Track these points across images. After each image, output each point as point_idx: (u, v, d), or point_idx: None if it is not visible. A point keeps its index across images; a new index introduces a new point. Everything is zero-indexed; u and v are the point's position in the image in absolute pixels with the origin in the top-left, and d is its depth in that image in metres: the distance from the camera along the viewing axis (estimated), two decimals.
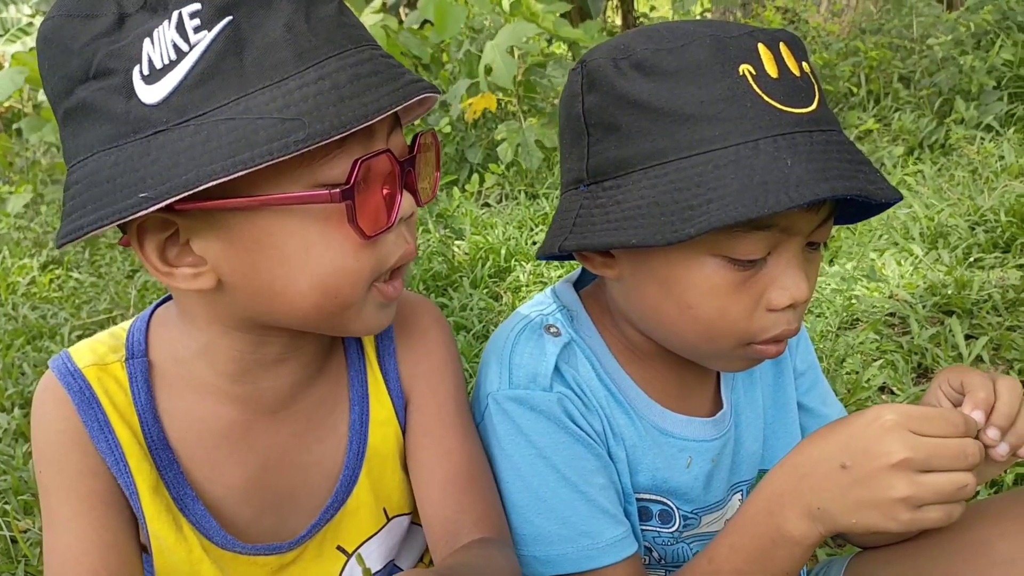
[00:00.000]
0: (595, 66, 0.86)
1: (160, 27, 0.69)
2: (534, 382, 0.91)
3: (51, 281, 4.05)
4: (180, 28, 0.69)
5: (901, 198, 0.82)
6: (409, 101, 0.73)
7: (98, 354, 0.87)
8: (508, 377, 0.92)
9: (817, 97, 0.81)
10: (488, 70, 4.12)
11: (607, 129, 0.85)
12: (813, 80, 0.83)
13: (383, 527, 0.97)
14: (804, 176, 0.75)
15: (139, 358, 0.87)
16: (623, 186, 0.83)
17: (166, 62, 0.68)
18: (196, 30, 0.69)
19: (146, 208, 0.67)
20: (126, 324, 0.91)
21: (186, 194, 0.67)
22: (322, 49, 0.71)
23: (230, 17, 0.69)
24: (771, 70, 0.80)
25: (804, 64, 0.83)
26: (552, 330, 0.95)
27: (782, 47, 0.81)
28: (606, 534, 0.91)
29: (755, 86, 0.79)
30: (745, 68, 0.79)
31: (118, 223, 0.70)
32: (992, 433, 0.81)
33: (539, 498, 0.90)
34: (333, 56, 0.72)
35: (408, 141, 0.84)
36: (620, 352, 0.98)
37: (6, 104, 6.67)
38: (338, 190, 0.73)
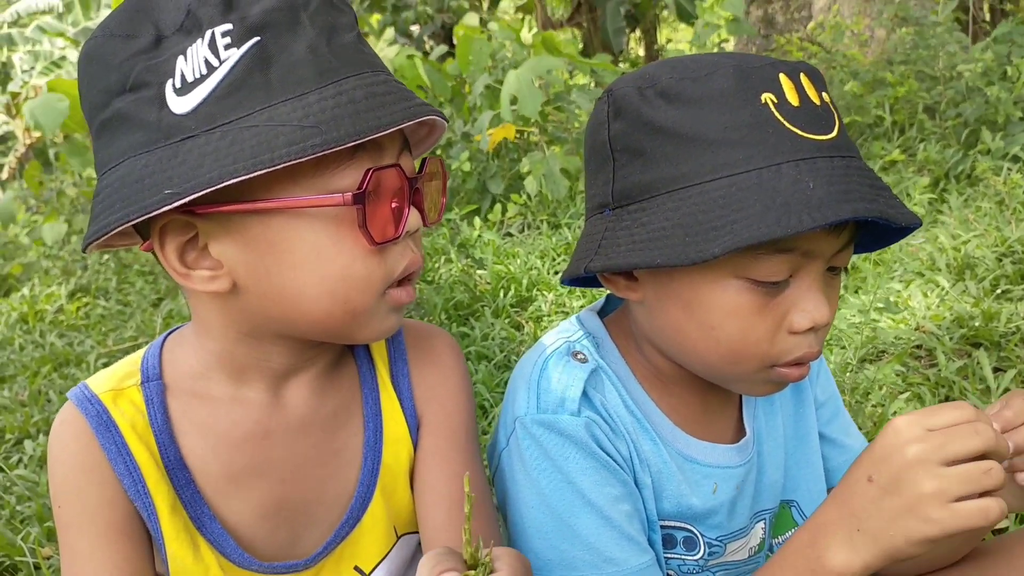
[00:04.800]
0: (621, 94, 0.88)
1: (194, 45, 0.75)
2: (562, 406, 0.91)
3: (78, 309, 4.11)
4: (212, 45, 0.75)
5: (920, 223, 0.82)
6: (419, 119, 0.78)
7: (114, 380, 0.89)
8: (536, 401, 0.92)
9: (837, 125, 0.83)
10: (513, 100, 4.15)
11: (633, 154, 0.87)
12: (833, 109, 0.84)
13: (394, 545, 0.97)
14: (826, 198, 0.76)
15: (154, 381, 0.89)
16: (648, 209, 0.85)
17: (197, 76, 0.74)
18: (227, 47, 0.75)
19: (171, 203, 0.72)
20: (141, 351, 0.93)
21: (209, 190, 0.71)
22: (342, 70, 0.77)
23: (258, 37, 0.75)
24: (792, 99, 0.81)
25: (824, 94, 0.84)
26: (579, 356, 0.95)
27: (803, 77, 0.84)
28: (632, 561, 0.90)
29: (777, 113, 0.81)
30: (767, 96, 0.81)
31: (142, 220, 0.74)
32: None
33: (565, 523, 0.90)
34: (352, 76, 0.77)
35: (417, 166, 0.88)
36: (645, 378, 0.99)
37: (36, 135, 6.81)
38: (350, 194, 0.77)
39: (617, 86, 0.90)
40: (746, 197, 0.78)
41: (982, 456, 0.73)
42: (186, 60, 0.75)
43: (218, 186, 0.71)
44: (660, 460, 0.96)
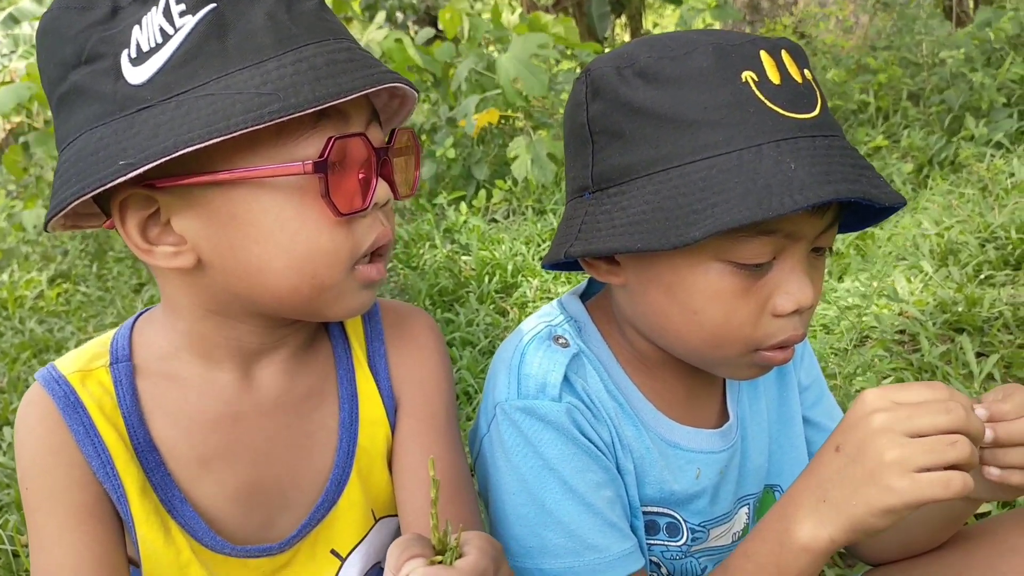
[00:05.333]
0: (599, 74, 0.86)
1: (149, 13, 0.73)
2: (543, 392, 0.90)
3: (58, 295, 4.06)
4: (167, 13, 0.73)
5: (904, 202, 0.81)
6: (383, 86, 0.76)
7: (82, 361, 0.88)
8: (517, 387, 0.91)
9: (819, 103, 0.81)
10: (515, 82, 4.12)
11: (611, 136, 0.85)
12: (815, 87, 0.83)
13: (371, 528, 0.96)
14: (807, 179, 0.75)
15: (123, 362, 0.88)
16: (628, 192, 0.83)
17: (152, 45, 0.72)
18: (181, 15, 0.73)
19: (126, 174, 0.70)
20: (111, 332, 0.91)
21: (164, 159, 0.69)
22: (302, 37, 0.75)
23: (214, 4, 0.73)
24: (773, 76, 0.80)
25: (806, 71, 0.83)
26: (561, 341, 0.94)
27: (784, 54, 0.82)
28: (614, 548, 0.89)
29: (758, 92, 0.79)
30: (748, 75, 0.79)
31: (99, 191, 0.72)
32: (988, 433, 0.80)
33: (546, 510, 0.89)
34: (312, 43, 0.75)
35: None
36: (627, 363, 0.98)
37: (16, 120, 6.73)
38: (311, 163, 0.75)
39: (595, 66, 0.88)
40: (727, 179, 0.77)
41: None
42: (141, 29, 0.73)
43: (173, 155, 0.69)
44: (642, 445, 0.95)
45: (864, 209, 0.84)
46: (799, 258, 0.83)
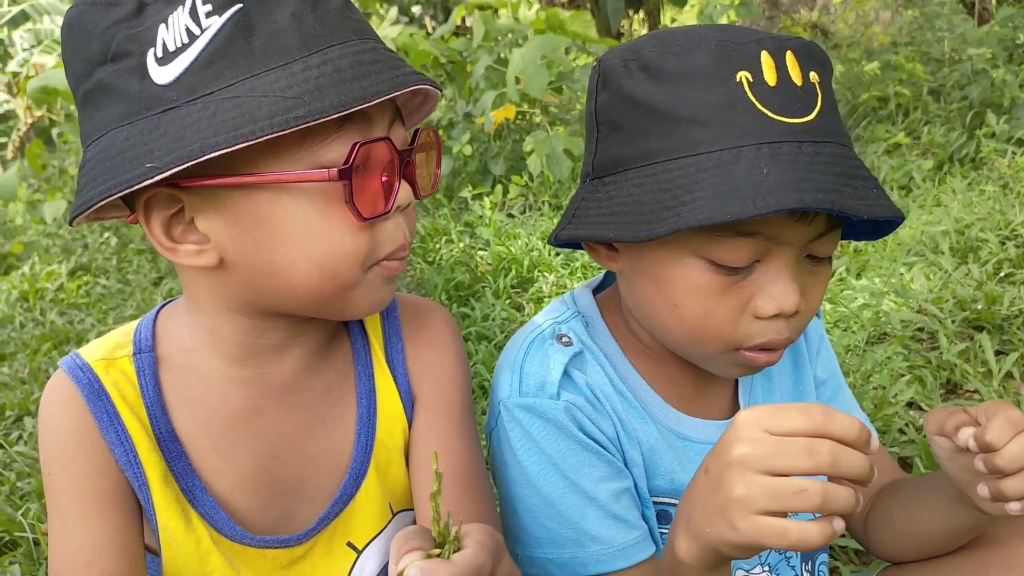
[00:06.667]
0: (608, 65, 0.88)
1: (175, 12, 0.73)
2: (542, 390, 0.92)
3: (79, 287, 4.10)
4: (193, 13, 0.73)
5: (899, 216, 0.79)
6: (407, 89, 0.76)
7: (106, 350, 0.88)
8: (519, 385, 0.93)
9: (819, 108, 0.80)
10: (518, 81, 4.12)
11: (613, 127, 0.87)
12: (819, 90, 0.81)
13: (389, 522, 0.97)
14: (776, 185, 0.74)
15: (147, 352, 0.88)
16: (618, 183, 0.85)
17: (179, 45, 0.72)
18: (208, 15, 0.73)
19: (152, 177, 0.70)
20: (134, 322, 0.92)
21: (190, 164, 0.70)
22: (327, 37, 0.75)
23: (240, 4, 0.73)
24: (769, 78, 0.79)
25: (812, 74, 0.81)
26: (564, 339, 0.95)
27: (788, 55, 0.81)
28: (618, 540, 0.91)
29: (749, 93, 0.79)
30: (743, 75, 0.79)
31: (125, 193, 0.73)
32: (979, 464, 0.79)
33: (550, 503, 0.91)
34: (337, 44, 0.75)
35: (409, 137, 0.86)
36: (635, 356, 0.98)
37: (39, 114, 6.80)
38: (335, 169, 0.75)
39: (606, 57, 0.89)
40: (703, 179, 0.77)
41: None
42: (167, 28, 0.73)
43: (198, 160, 0.70)
44: (651, 438, 0.96)
45: (870, 220, 0.81)
46: (785, 263, 0.82)
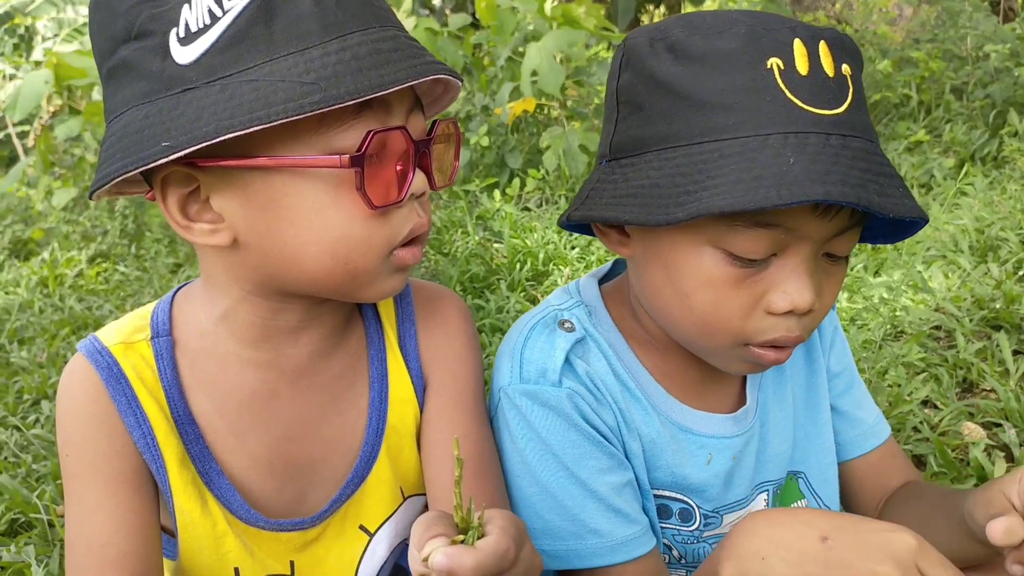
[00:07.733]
0: (633, 44, 0.86)
1: None
2: (543, 377, 0.90)
3: (98, 274, 4.14)
4: None
5: (921, 216, 0.77)
6: (426, 78, 0.76)
7: (124, 333, 0.89)
8: (519, 372, 0.92)
9: (849, 100, 0.78)
10: (533, 74, 4.11)
11: (633, 107, 0.85)
12: (850, 83, 0.79)
13: (400, 506, 0.98)
14: (801, 176, 0.72)
15: (164, 336, 0.89)
16: (636, 164, 0.84)
17: (201, 26, 0.73)
18: None
19: (167, 156, 0.71)
20: (151, 306, 0.93)
21: (204, 144, 0.71)
22: (348, 24, 0.75)
23: None
24: (801, 67, 0.77)
25: (844, 66, 0.80)
26: (566, 325, 0.94)
27: (822, 45, 0.79)
28: (617, 533, 0.90)
29: (780, 81, 0.77)
30: (774, 61, 0.77)
31: (141, 170, 0.74)
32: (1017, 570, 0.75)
33: (549, 493, 0.90)
34: (358, 31, 0.75)
35: (429, 127, 0.86)
36: (639, 346, 0.97)
37: (59, 103, 6.84)
38: (347, 156, 0.75)
39: (632, 36, 0.88)
40: (725, 164, 0.75)
41: None
42: (191, 9, 0.74)
43: (213, 140, 0.71)
44: (652, 429, 0.95)
45: (893, 221, 0.81)
46: (803, 258, 0.81)
